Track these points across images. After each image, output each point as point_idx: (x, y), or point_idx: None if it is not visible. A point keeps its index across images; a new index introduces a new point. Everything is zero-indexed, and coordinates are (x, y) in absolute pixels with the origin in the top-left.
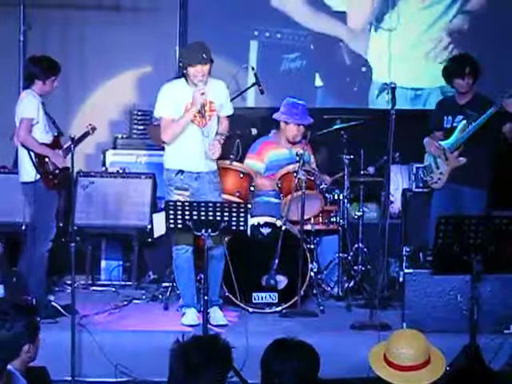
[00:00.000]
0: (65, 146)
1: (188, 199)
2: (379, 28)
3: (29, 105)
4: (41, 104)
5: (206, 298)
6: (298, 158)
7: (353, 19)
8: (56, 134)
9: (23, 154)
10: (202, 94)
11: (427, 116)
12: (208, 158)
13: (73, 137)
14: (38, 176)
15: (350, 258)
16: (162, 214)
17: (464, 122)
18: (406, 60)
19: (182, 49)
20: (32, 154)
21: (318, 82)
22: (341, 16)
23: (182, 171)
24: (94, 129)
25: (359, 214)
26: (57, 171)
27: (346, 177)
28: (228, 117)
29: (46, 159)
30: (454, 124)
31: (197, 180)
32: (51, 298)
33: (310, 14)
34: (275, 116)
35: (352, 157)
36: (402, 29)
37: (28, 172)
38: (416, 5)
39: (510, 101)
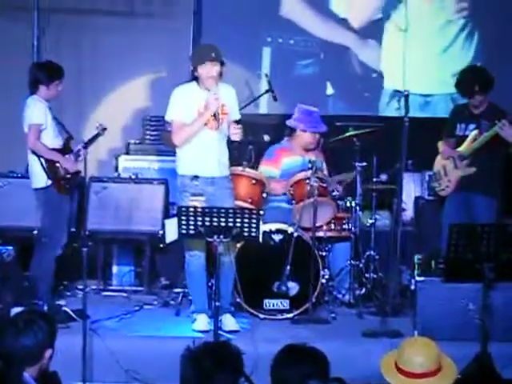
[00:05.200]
0: (75, 150)
1: (204, 204)
2: (388, 33)
3: (36, 111)
4: (48, 109)
5: (217, 303)
6: (310, 165)
7: (358, 24)
8: (66, 138)
9: (33, 161)
10: (216, 98)
11: (440, 123)
12: (222, 162)
13: (85, 142)
14: (50, 181)
15: (361, 265)
16: (174, 220)
17: (475, 131)
18: (416, 65)
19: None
20: (42, 159)
21: (330, 90)
22: (348, 23)
23: (197, 176)
24: (104, 129)
25: (371, 221)
26: (68, 176)
27: (358, 184)
28: (237, 122)
29: (57, 164)
30: (467, 132)
31: (212, 185)
32: (62, 302)
33: (318, 23)
34: (291, 123)
35: (364, 164)
36: (411, 32)
37: (39, 178)
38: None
39: None
